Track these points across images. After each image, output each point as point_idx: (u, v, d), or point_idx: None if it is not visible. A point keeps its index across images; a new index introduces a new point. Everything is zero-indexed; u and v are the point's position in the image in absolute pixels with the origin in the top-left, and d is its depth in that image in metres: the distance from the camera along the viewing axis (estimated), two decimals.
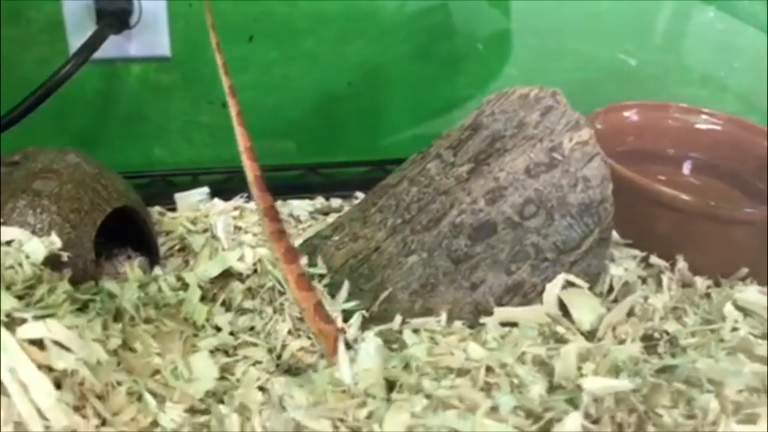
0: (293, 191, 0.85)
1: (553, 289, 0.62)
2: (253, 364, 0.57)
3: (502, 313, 0.60)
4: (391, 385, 0.47)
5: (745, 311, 0.62)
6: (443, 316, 0.59)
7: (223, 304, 0.62)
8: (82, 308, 0.53)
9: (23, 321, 0.43)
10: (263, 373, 0.56)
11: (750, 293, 0.64)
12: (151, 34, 0.80)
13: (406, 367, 0.51)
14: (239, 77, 0.87)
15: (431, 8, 0.91)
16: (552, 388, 0.49)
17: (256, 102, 0.90)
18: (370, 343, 0.48)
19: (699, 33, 1.05)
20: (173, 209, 0.76)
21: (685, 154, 0.83)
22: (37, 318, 0.43)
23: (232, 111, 0.48)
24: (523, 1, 0.93)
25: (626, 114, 0.81)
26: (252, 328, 0.60)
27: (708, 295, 0.67)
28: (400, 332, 0.57)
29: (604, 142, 0.77)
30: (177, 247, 0.69)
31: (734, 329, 0.59)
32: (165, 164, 0.88)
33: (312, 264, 0.63)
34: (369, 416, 0.43)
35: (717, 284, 0.69)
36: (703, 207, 0.68)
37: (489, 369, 0.48)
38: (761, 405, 0.45)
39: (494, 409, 0.43)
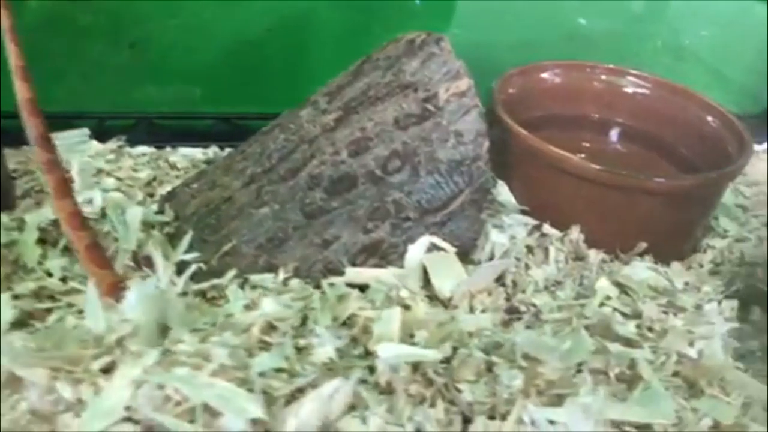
0: (204, 140, 0.80)
1: (415, 252, 0.57)
2: (79, 313, 0.53)
3: (353, 273, 0.55)
4: (163, 332, 0.42)
5: (623, 287, 0.56)
6: (281, 273, 0.54)
7: (64, 249, 0.58)
8: None
9: None
10: (83, 321, 0.52)
11: (638, 269, 0.58)
12: None
13: (213, 324, 0.46)
14: (157, 20, 0.84)
15: None
16: (363, 354, 0.44)
17: (170, 46, 0.85)
18: (134, 291, 0.43)
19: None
20: None
21: (611, 120, 0.76)
22: None
23: (4, 24, 0.44)
24: None
25: (545, 75, 0.74)
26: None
27: (601, 269, 0.61)
28: (227, 287, 0.52)
29: (521, 106, 0.71)
30: (37, 189, 0.65)
31: (602, 305, 0.53)
32: (66, 106, 0.83)
33: (160, 211, 0.59)
34: (106, 369, 0.38)
35: (616, 258, 0.63)
36: (607, 175, 0.62)
37: (273, 327, 0.44)
38: (569, 387, 0.40)
39: (245, 369, 0.39)
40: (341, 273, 0.56)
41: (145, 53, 0.84)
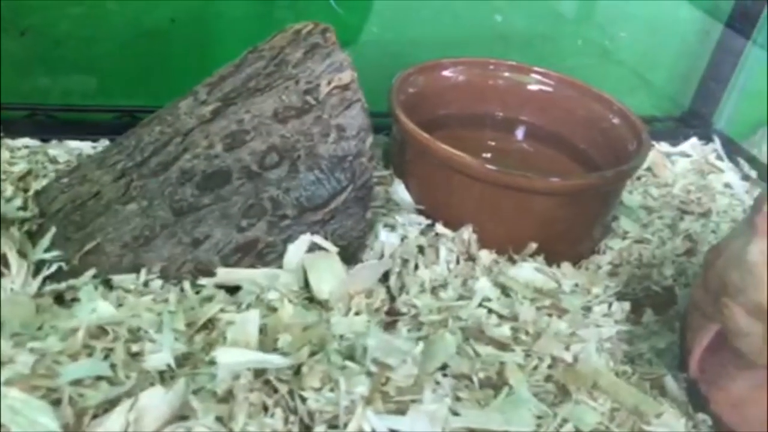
0: (104, 134, 0.76)
1: (295, 251, 0.54)
2: None
3: (225, 274, 0.52)
4: None
5: (504, 289, 0.54)
6: (143, 274, 0.51)
7: None
8: None
9: None
10: None
11: (524, 270, 0.56)
12: None
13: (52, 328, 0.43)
14: (54, 7, 0.79)
15: None
16: (210, 361, 0.41)
17: (65, 35, 0.81)
18: None
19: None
20: None
21: (516, 118, 0.75)
22: None
23: None
24: None
25: (447, 73, 0.72)
26: None
27: (490, 270, 0.59)
28: (78, 288, 0.49)
29: (421, 105, 0.69)
30: None
31: (479, 306, 0.51)
32: None
33: (23, 207, 0.55)
34: None
35: (510, 259, 0.61)
36: (499, 175, 0.60)
37: (104, 331, 0.40)
38: (409, 394, 0.38)
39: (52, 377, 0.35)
40: (212, 274, 0.53)
41: (37, 42, 0.79)
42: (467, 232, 0.61)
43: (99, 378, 0.37)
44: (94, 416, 0.34)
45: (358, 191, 0.55)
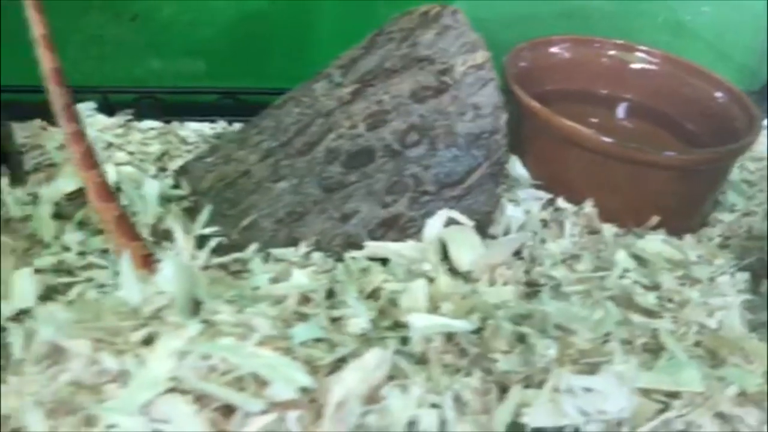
0: (208, 115, 0.80)
1: (433, 226, 0.57)
2: (99, 287, 0.52)
3: (373, 247, 0.55)
4: (195, 309, 0.42)
5: (641, 260, 0.56)
6: (302, 247, 0.54)
7: (80, 223, 0.58)
8: None
9: None
10: (106, 296, 0.51)
11: (652, 242, 0.59)
12: None
13: (242, 297, 0.46)
14: None
15: None
16: (392, 326, 0.44)
17: (172, 19, 0.83)
18: (169, 264, 0.43)
19: None
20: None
21: (619, 95, 0.76)
22: None
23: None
24: None
25: (554, 50, 0.74)
26: (106, 251, 0.56)
27: (617, 243, 0.61)
28: (250, 261, 0.52)
29: (530, 80, 0.71)
30: (46, 163, 0.64)
31: (621, 277, 0.53)
32: (71, 81, 0.82)
33: (175, 186, 0.58)
34: (146, 340, 0.38)
35: (629, 231, 0.64)
36: (618, 149, 0.62)
37: (307, 299, 0.44)
38: (607, 354, 0.41)
39: (286, 340, 0.39)
40: (361, 247, 0.56)
41: (146, 26, 0.82)
42: (589, 206, 0.63)
43: (317, 340, 0.40)
44: (329, 373, 0.38)
45: (492, 167, 0.58)
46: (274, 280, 0.47)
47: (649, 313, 0.50)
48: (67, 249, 0.55)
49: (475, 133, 0.57)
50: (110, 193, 0.45)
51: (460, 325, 0.42)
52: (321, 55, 0.89)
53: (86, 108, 0.71)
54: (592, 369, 0.41)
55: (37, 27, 0.42)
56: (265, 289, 0.45)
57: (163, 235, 0.55)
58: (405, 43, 0.59)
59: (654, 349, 0.46)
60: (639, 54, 0.74)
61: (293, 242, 0.56)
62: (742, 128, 0.67)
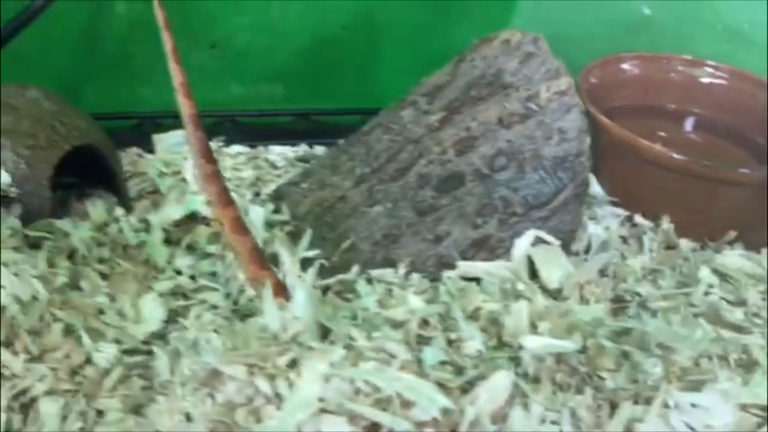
0: (284, 137, 0.83)
1: (521, 245, 0.60)
2: (210, 309, 0.56)
3: (466, 267, 0.58)
4: (324, 333, 0.45)
5: (723, 276, 0.59)
6: (401, 268, 0.57)
7: (188, 248, 0.62)
8: (35, 246, 0.53)
9: None
10: (219, 318, 0.55)
11: (732, 257, 0.61)
12: None
13: (354, 317, 0.50)
14: (233, 20, 0.86)
15: None
16: (497, 346, 0.47)
17: (248, 46, 0.88)
18: (302, 291, 0.47)
19: None
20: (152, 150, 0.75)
21: (687, 110, 0.78)
22: None
23: (167, 45, 0.47)
24: None
25: (625, 66, 0.77)
26: (214, 273, 0.60)
27: (696, 258, 0.64)
28: (355, 282, 0.55)
29: (601, 97, 0.74)
30: (149, 190, 0.68)
31: (707, 294, 0.56)
32: (152, 105, 0.87)
33: (276, 211, 0.62)
34: (290, 364, 0.42)
35: (703, 247, 0.66)
36: (694, 166, 0.64)
37: (426, 323, 0.47)
38: (709, 373, 0.43)
39: (418, 363, 0.42)
40: (453, 267, 0.59)
41: (225, 53, 0.87)
42: (666, 222, 0.65)
43: (443, 362, 0.43)
44: (459, 395, 0.41)
45: (577, 188, 0.60)
46: (382, 303, 0.51)
47: (738, 328, 0.52)
48: (179, 273, 0.59)
49: (561, 156, 0.59)
50: (244, 226, 0.48)
51: (569, 345, 0.45)
52: (387, 76, 0.93)
53: (178, 136, 0.75)
54: (696, 386, 0.43)
55: (177, 76, 0.46)
56: (384, 313, 0.48)
57: (270, 259, 0.58)
58: (489, 71, 0.62)
59: (747, 365, 0.48)
60: (707, 69, 0.76)
61: (389, 263, 0.59)
62: None
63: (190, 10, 0.83)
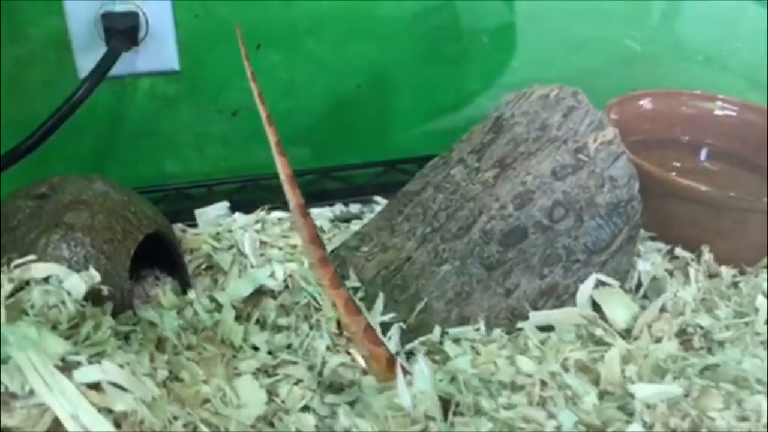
0: (309, 198, 0.84)
1: (585, 290, 0.62)
2: (296, 383, 0.57)
3: (538, 316, 0.61)
4: (444, 404, 0.47)
5: None
6: (482, 324, 0.59)
7: (257, 322, 0.62)
8: (124, 339, 0.53)
9: (78, 364, 0.42)
10: (307, 391, 0.56)
11: None
12: (159, 49, 0.79)
13: (453, 380, 0.51)
14: (243, 82, 0.87)
15: (434, 8, 0.90)
16: (600, 395, 0.50)
17: (272, 110, 0.89)
18: (423, 363, 0.48)
19: (700, 14, 1.05)
20: (192, 224, 0.76)
21: (700, 141, 0.83)
22: (91, 359, 0.43)
23: (271, 140, 0.48)
24: None
25: (641, 103, 0.81)
26: (289, 346, 0.60)
27: (735, 285, 0.67)
28: (441, 343, 0.57)
29: (622, 132, 0.78)
30: (204, 266, 0.69)
31: None
32: (178, 177, 0.87)
33: (343, 276, 0.63)
34: None
35: (742, 273, 0.70)
36: (725, 198, 0.68)
37: (543, 383, 0.49)
38: None
39: (557, 428, 0.44)
40: (526, 317, 0.61)
41: (248, 119, 0.88)
42: (706, 253, 0.69)
43: (576, 422, 0.45)
44: None
45: (631, 231, 0.64)
46: (473, 363, 0.52)
47: None
48: (256, 349, 0.60)
49: (614, 203, 0.62)
50: (356, 306, 0.49)
51: (676, 389, 0.48)
52: (402, 128, 0.96)
53: (220, 208, 0.76)
54: None
55: (282, 168, 0.47)
56: (499, 375, 0.50)
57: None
58: (534, 126, 0.65)
59: None
60: (717, 102, 0.81)
61: (464, 321, 0.61)
62: None
63: (207, 79, 0.84)
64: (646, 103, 0.81)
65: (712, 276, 0.69)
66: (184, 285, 0.66)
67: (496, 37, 0.95)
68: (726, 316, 0.62)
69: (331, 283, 0.48)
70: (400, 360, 0.51)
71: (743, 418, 0.47)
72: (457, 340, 0.58)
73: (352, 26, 0.87)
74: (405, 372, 0.49)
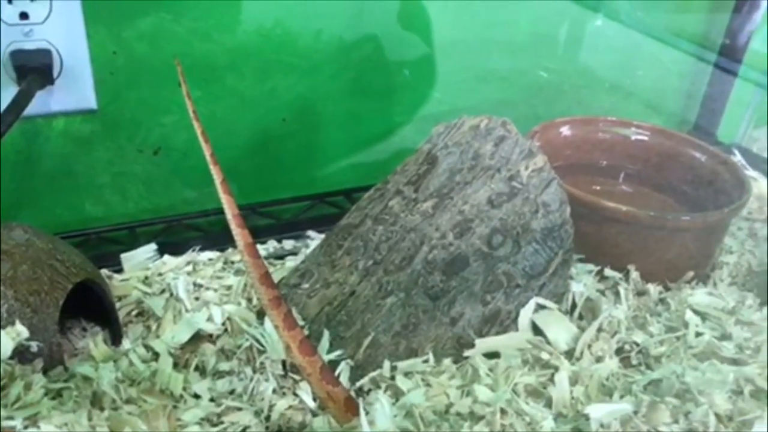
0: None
1: (526, 314, 0.63)
2: (243, 431, 0.55)
3: (484, 344, 0.61)
4: None
5: (702, 315, 0.66)
6: (430, 355, 0.59)
7: (196, 369, 0.60)
8: (57, 397, 0.49)
9: (12, 429, 0.39)
10: None
11: (700, 296, 0.68)
12: (75, 87, 0.75)
13: (408, 415, 0.51)
14: (164, 119, 0.85)
15: (357, 41, 0.91)
16: (554, 418, 0.50)
17: (189, 145, 0.86)
18: (384, 400, 0.47)
19: (603, 46, 1.11)
20: (117, 269, 0.72)
21: (617, 165, 0.87)
22: (26, 423, 0.39)
23: (216, 179, 0.46)
24: (443, 31, 0.95)
25: (561, 129, 0.85)
26: (232, 392, 0.58)
27: (662, 301, 0.70)
28: (392, 378, 0.56)
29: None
30: (134, 313, 0.65)
31: (698, 334, 0.62)
32: (99, 221, 0.83)
33: None
34: None
35: (667, 289, 0.73)
36: (646, 217, 0.72)
37: (503, 411, 0.49)
38: (750, 411, 0.48)
39: None
40: (472, 345, 0.61)
41: (169, 157, 0.85)
42: (633, 271, 0.72)
43: None
44: None
45: (565, 254, 0.65)
46: (427, 396, 0.52)
47: (733, 361, 0.58)
48: (198, 397, 0.57)
49: (549, 228, 0.64)
50: (311, 347, 0.48)
51: (628, 407, 0.49)
52: (327, 161, 0.96)
53: (148, 251, 0.73)
54: (747, 425, 0.49)
55: (229, 208, 0.46)
56: (458, 406, 0.50)
57: (292, 369, 0.58)
58: (467, 156, 0.66)
59: (757, 395, 0.54)
60: (632, 128, 0.86)
61: (412, 353, 0.60)
62: (732, 187, 0.79)
63: (126, 117, 0.81)
64: (565, 130, 0.85)
65: (640, 294, 0.72)
66: (114, 334, 0.62)
67: (416, 70, 0.97)
68: (659, 332, 0.64)
69: (285, 323, 0.46)
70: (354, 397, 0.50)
71: (692, 431, 0.48)
72: (408, 374, 0.57)
73: (273, 60, 0.86)
74: (355, 412, 0.48)
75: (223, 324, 0.62)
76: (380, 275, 0.62)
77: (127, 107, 0.81)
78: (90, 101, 0.77)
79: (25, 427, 0.40)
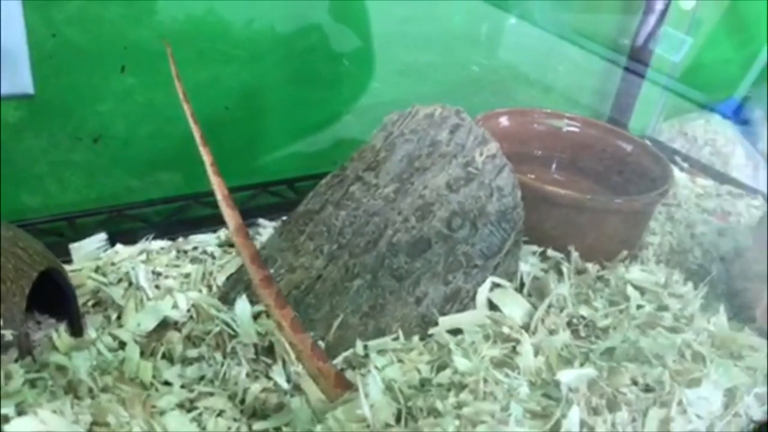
0: (183, 225, 0.81)
1: (483, 292, 0.67)
2: (218, 415, 0.55)
3: (447, 321, 0.64)
4: (399, 413, 0.48)
5: (641, 290, 0.71)
6: (400, 334, 0.61)
7: (164, 356, 0.59)
8: (31, 387, 0.48)
9: (7, 417, 0.38)
10: (231, 421, 0.54)
11: (636, 273, 0.74)
12: (11, 72, 0.72)
13: (387, 389, 0.52)
14: (102, 107, 0.82)
15: (301, 30, 0.91)
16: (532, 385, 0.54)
17: (130, 133, 0.84)
18: (375, 374, 0.49)
19: (524, 43, 1.17)
20: (65, 260, 0.69)
21: (551, 155, 0.92)
22: (19, 410, 0.38)
23: (206, 161, 0.46)
24: (383, 23, 0.97)
25: (500, 120, 0.89)
26: (202, 378, 0.58)
27: (600, 278, 0.76)
28: (366, 356, 0.58)
29: None
30: (91, 303, 0.63)
31: (639, 307, 0.67)
32: (38, 211, 0.79)
33: (253, 302, 0.62)
34: None
35: (603, 267, 0.78)
36: (584, 200, 0.77)
37: (485, 380, 0.52)
38: (696, 371, 0.54)
39: (510, 416, 0.47)
40: (436, 323, 0.64)
41: (109, 145, 0.82)
42: (573, 251, 0.77)
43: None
44: None
45: (517, 236, 0.69)
46: (403, 371, 0.54)
47: (673, 329, 0.64)
48: (168, 384, 0.56)
49: (502, 210, 0.68)
50: (302, 325, 0.48)
51: (592, 372, 0.53)
52: (270, 150, 0.96)
53: (98, 240, 0.70)
54: (696, 383, 0.54)
55: (218, 189, 0.46)
56: (437, 380, 0.52)
57: (265, 352, 0.59)
58: (424, 143, 0.69)
59: (697, 358, 0.60)
60: (564, 120, 0.91)
61: (380, 332, 0.62)
62: (657, 174, 0.85)
63: (64, 103, 0.78)
64: (504, 120, 0.89)
65: (580, 272, 0.77)
66: (73, 325, 0.60)
67: (357, 60, 0.98)
68: (602, 306, 0.69)
69: (276, 303, 0.47)
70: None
71: (648, 390, 0.53)
72: (380, 351, 0.59)
73: (207, 48, 0.85)
74: (345, 387, 0.49)
75: (188, 311, 0.61)
76: (346, 258, 0.64)
77: (64, 93, 0.78)
78: (26, 86, 0.74)
79: (19, 414, 0.39)
